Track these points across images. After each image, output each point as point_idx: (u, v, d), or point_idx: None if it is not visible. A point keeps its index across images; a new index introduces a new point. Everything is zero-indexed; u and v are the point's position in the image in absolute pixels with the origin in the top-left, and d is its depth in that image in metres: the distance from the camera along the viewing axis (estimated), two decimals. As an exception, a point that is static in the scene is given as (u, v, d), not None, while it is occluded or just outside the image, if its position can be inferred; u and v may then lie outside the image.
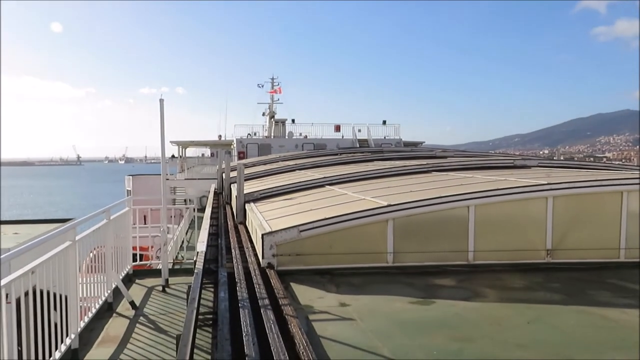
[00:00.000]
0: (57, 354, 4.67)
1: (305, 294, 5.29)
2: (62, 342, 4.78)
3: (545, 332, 4.31)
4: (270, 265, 6.05)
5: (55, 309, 4.64)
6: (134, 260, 8.34)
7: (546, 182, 6.89)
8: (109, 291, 6.48)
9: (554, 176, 8.53)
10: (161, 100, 7.00)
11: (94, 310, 5.95)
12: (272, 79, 42.58)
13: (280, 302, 4.58)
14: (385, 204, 6.58)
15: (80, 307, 5.51)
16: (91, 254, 6.33)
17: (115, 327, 5.89)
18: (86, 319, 5.66)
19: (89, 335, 5.58)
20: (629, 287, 5.76)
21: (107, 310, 6.38)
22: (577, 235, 6.72)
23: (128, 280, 7.66)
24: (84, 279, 5.94)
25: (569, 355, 3.75)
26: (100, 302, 6.21)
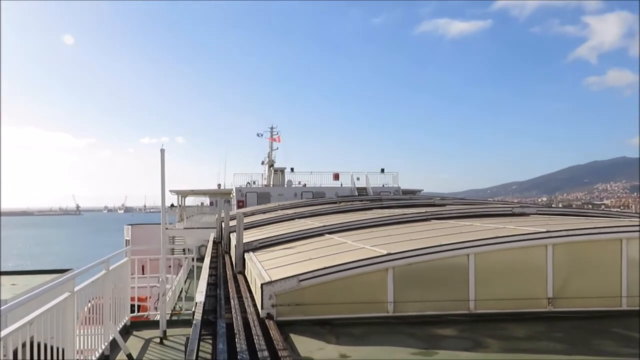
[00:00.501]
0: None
1: (305, 345, 5.21)
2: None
3: (550, 384, 4.23)
4: (269, 316, 5.98)
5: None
6: (132, 311, 8.24)
7: (545, 230, 6.91)
8: (105, 343, 6.38)
9: (553, 224, 8.55)
10: (162, 150, 7.10)
11: (90, 364, 5.84)
12: (272, 128, 43.15)
13: (280, 354, 4.52)
14: (385, 252, 6.57)
15: (77, 360, 5.42)
16: (89, 304, 6.27)
17: (111, 380, 5.77)
18: (82, 372, 5.56)
19: (84, 389, 5.46)
20: (632, 336, 5.69)
21: (103, 363, 6.27)
22: (578, 283, 6.68)
23: (125, 331, 7.54)
24: (81, 330, 5.85)
25: (574, 408, 3.68)
26: (97, 355, 6.10)
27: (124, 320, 7.60)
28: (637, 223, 7.50)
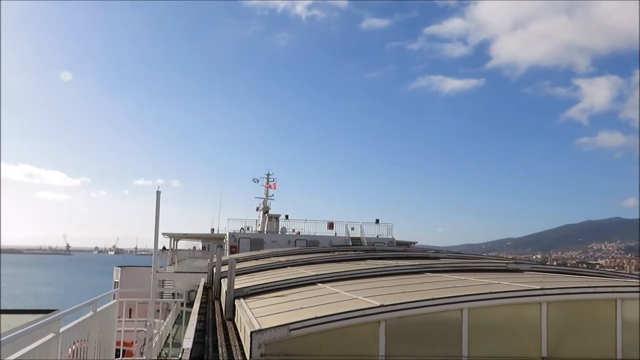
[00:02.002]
0: None
1: (293, 397, 5.06)
2: None
3: None
4: (257, 365, 5.84)
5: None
6: (117, 355, 8.03)
7: (539, 287, 6.86)
8: (87, 389, 6.19)
9: (548, 281, 8.49)
10: (158, 193, 7.11)
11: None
12: (268, 174, 43.38)
13: (267, 406, 4.38)
14: (378, 304, 6.49)
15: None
16: (73, 347, 6.11)
17: None
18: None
19: None
20: (628, 400, 5.56)
21: (83, 409, 6.05)
22: (573, 342, 6.58)
23: (108, 377, 7.33)
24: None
25: None
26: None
27: (108, 365, 7.40)
28: (632, 284, 7.46)
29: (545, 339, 6.50)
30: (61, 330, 5.11)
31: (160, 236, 40.07)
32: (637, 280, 8.98)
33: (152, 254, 7.51)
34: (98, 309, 6.56)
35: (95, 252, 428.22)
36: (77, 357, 6.17)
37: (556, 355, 6.49)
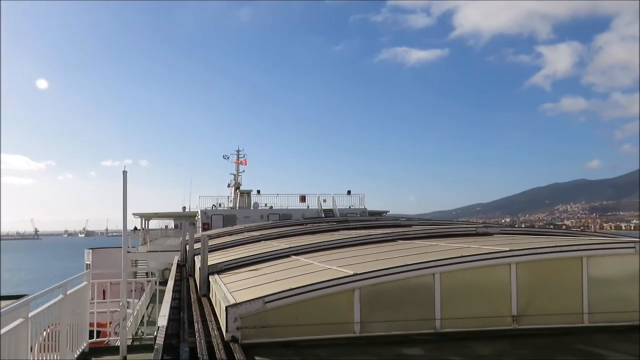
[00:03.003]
0: None
1: (271, 368, 5.10)
2: None
3: (516, 401, 4.24)
4: (234, 339, 5.85)
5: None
6: (91, 337, 7.96)
7: (508, 249, 7.01)
8: (62, 371, 6.12)
9: (516, 243, 8.68)
10: (124, 172, 6.96)
11: (45, 393, 5.58)
12: (238, 150, 42.97)
13: (245, 378, 4.40)
14: (351, 273, 6.54)
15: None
16: (45, 332, 6.01)
17: (67, 410, 5.52)
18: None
19: (38, 420, 5.21)
20: (594, 352, 5.77)
21: (59, 392, 6.00)
22: (541, 300, 6.78)
23: (83, 358, 7.26)
24: (36, 357, 5.59)
25: None
26: (53, 384, 5.85)
27: (82, 347, 7.32)
28: (597, 241, 7.69)
29: (515, 298, 6.67)
30: (30, 314, 5.01)
31: (131, 217, 39.63)
32: (602, 238, 9.25)
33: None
34: (68, 292, 6.45)
35: (65, 236, 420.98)
36: (49, 341, 6.08)
37: (526, 313, 6.68)
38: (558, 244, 7.23)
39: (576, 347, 5.95)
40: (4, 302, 8.42)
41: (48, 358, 5.90)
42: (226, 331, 5.94)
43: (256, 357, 5.43)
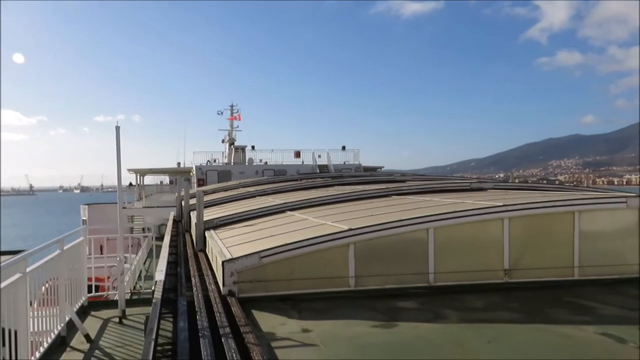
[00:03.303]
0: (6, 392, 4.44)
1: (267, 321, 5.21)
2: (11, 379, 4.54)
3: (505, 351, 4.36)
4: (231, 293, 5.95)
5: (3, 344, 4.42)
6: (90, 291, 8.06)
7: (502, 204, 7.06)
8: (62, 324, 6.22)
9: (510, 198, 8.75)
10: (117, 128, 6.88)
11: (45, 345, 5.69)
12: (232, 106, 42.63)
13: (242, 330, 4.50)
14: (346, 228, 6.60)
15: (31, 342, 5.27)
16: (46, 285, 6.08)
17: (68, 362, 5.65)
18: (37, 355, 5.41)
19: (40, 371, 5.33)
20: (584, 304, 5.91)
21: (60, 344, 6.11)
22: (533, 255, 6.88)
23: (83, 312, 7.37)
24: (36, 312, 5.68)
25: (529, 374, 3.80)
26: (53, 336, 5.95)
27: (81, 301, 7.42)
28: (589, 196, 7.75)
29: (507, 253, 6.77)
30: (28, 269, 5.06)
31: (125, 173, 39.56)
32: (594, 193, 9.33)
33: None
34: (65, 247, 6.49)
35: (60, 191, 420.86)
36: (49, 295, 6.16)
37: (518, 267, 6.79)
38: (550, 199, 7.29)
39: (566, 299, 6.08)
40: (1, 258, 8.49)
41: (48, 312, 5.99)
42: (223, 285, 6.02)
43: (252, 311, 5.53)
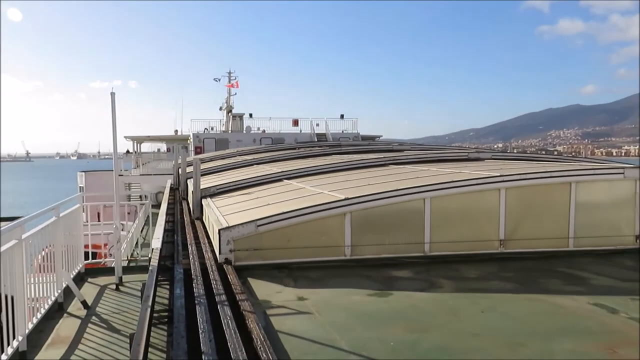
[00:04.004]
0: (4, 357, 4.48)
1: (263, 288, 5.24)
2: (8, 344, 4.58)
3: (499, 321, 4.40)
4: (227, 261, 5.98)
5: (0, 310, 4.45)
6: (86, 258, 8.09)
7: (499, 174, 7.05)
8: (59, 291, 6.25)
9: (507, 168, 8.73)
10: (112, 94, 6.78)
11: (42, 311, 5.72)
12: (229, 72, 42.19)
13: (238, 298, 4.53)
14: (343, 197, 6.60)
15: (29, 307, 5.30)
16: (43, 252, 6.09)
17: (65, 327, 5.69)
18: (35, 320, 5.45)
19: (38, 336, 5.37)
20: (577, 275, 5.95)
21: (57, 310, 6.15)
22: (529, 225, 6.90)
23: (80, 279, 7.41)
24: (33, 278, 5.70)
25: (521, 342, 3.84)
26: (50, 303, 5.99)
27: (78, 268, 7.45)
28: (586, 167, 7.74)
29: (503, 223, 6.79)
30: (23, 236, 5.06)
31: (122, 140, 39.34)
32: (591, 164, 9.32)
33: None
34: (62, 214, 6.48)
35: (57, 158, 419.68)
36: (46, 262, 6.17)
37: (513, 237, 6.82)
38: (547, 170, 7.28)
39: (560, 269, 6.12)
40: (-2, 224, 8.48)
41: (45, 279, 6.02)
42: (219, 253, 6.05)
43: (249, 279, 5.57)
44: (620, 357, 3.63)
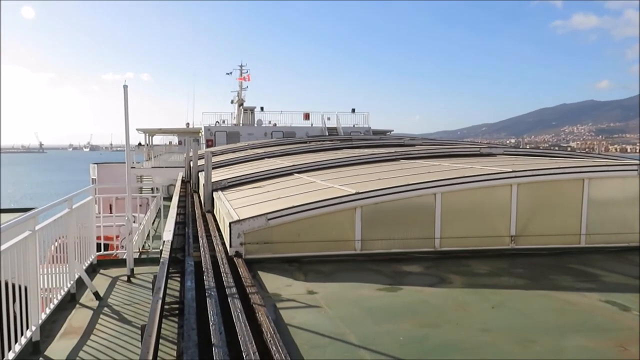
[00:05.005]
0: (17, 347, 4.54)
1: (273, 282, 5.27)
2: (22, 334, 4.65)
3: (509, 317, 4.39)
4: (238, 254, 6.01)
5: (14, 300, 4.51)
6: (99, 250, 8.17)
7: (511, 170, 7.00)
8: (71, 282, 6.33)
9: (519, 164, 8.67)
10: (125, 87, 6.83)
11: (55, 302, 5.80)
12: (241, 66, 42.21)
13: (248, 291, 4.55)
14: (354, 191, 6.59)
15: (42, 298, 5.37)
16: (56, 244, 6.16)
17: (78, 318, 5.76)
18: (48, 311, 5.52)
19: (51, 327, 5.45)
20: (589, 271, 5.91)
21: (70, 301, 6.23)
22: (540, 221, 6.86)
23: (92, 270, 7.50)
24: (46, 269, 5.77)
25: (531, 339, 3.83)
26: (63, 293, 6.06)
27: (91, 259, 7.53)
28: (599, 164, 7.66)
29: (514, 219, 6.75)
30: (37, 227, 5.11)
31: (134, 132, 39.55)
32: (605, 160, 9.23)
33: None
34: (74, 206, 6.55)
35: (70, 150, 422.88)
36: (58, 253, 6.25)
37: (524, 234, 6.78)
38: (560, 166, 7.22)
39: (571, 266, 6.09)
40: (11, 215, 8.59)
41: (58, 270, 6.09)
42: (230, 246, 6.08)
43: (259, 272, 5.59)
44: (631, 354, 3.60)
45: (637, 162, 7.50)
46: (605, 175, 7.08)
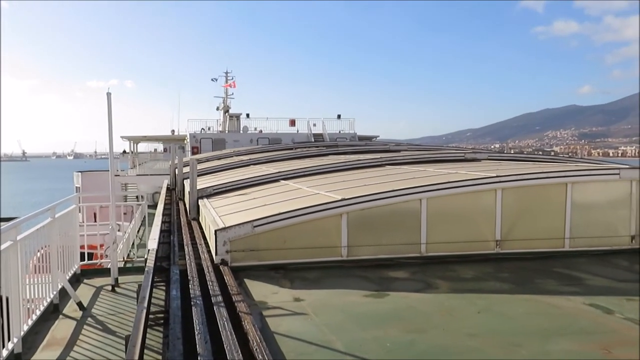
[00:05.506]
0: (-1, 359, 4.47)
1: (259, 289, 5.24)
2: (3, 346, 4.57)
3: (495, 321, 4.41)
4: (223, 262, 5.97)
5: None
6: (82, 259, 8.07)
7: (495, 175, 7.06)
8: (54, 292, 6.24)
9: (503, 169, 8.75)
10: (108, 94, 6.78)
11: (38, 312, 5.71)
12: (226, 72, 42.16)
13: (234, 299, 4.52)
14: (340, 198, 6.59)
15: (24, 309, 5.29)
16: (38, 254, 6.08)
17: (61, 329, 5.67)
18: (30, 322, 5.43)
19: (33, 338, 5.36)
20: (573, 275, 5.96)
21: (53, 312, 6.14)
22: (525, 226, 6.91)
23: (75, 280, 7.40)
24: (28, 279, 5.69)
25: (517, 343, 3.85)
26: (46, 304, 5.98)
27: (74, 269, 7.44)
28: (582, 168, 7.75)
29: (499, 224, 6.80)
30: (19, 237, 5.04)
31: (119, 140, 39.25)
32: (587, 165, 9.34)
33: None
34: (57, 215, 6.47)
35: (54, 158, 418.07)
36: (41, 262, 6.17)
37: (509, 238, 6.83)
38: (543, 170, 7.29)
39: (556, 270, 6.13)
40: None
41: (40, 280, 6.00)
42: (215, 254, 6.04)
43: (245, 280, 5.56)
44: (615, 357, 3.63)
45: (619, 166, 7.60)
46: (588, 180, 7.17)
